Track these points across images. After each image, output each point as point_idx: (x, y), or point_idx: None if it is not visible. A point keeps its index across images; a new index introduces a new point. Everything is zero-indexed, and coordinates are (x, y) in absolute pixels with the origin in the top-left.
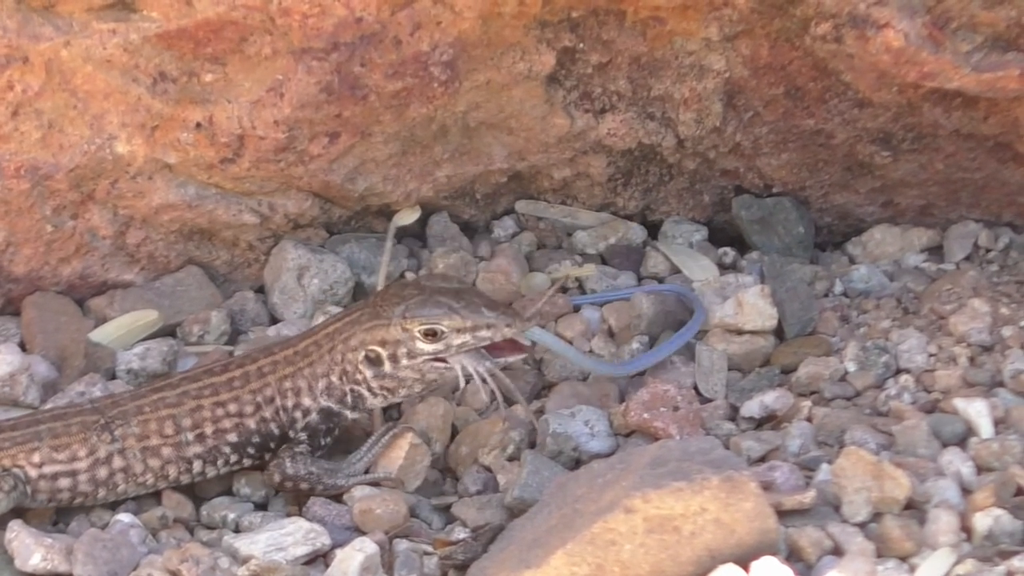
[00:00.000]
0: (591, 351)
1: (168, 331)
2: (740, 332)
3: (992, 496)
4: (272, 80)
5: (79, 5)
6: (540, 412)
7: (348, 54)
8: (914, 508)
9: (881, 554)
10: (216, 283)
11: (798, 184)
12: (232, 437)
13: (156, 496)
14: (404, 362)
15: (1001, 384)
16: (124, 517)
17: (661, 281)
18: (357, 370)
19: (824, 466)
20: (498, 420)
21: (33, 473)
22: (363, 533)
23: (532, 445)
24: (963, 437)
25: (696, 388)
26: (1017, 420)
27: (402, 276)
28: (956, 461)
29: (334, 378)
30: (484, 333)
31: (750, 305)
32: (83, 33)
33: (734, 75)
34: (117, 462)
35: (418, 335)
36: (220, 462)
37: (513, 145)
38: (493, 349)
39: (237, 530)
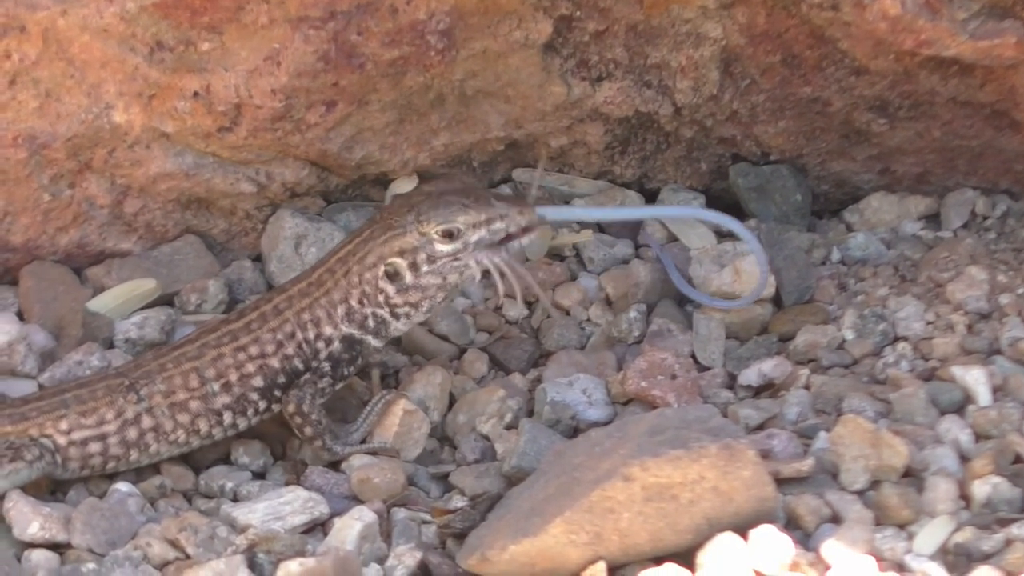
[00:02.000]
0: (588, 319)
1: (166, 300)
2: (738, 299)
3: (990, 464)
4: (269, 49)
5: None
6: (537, 381)
7: (345, 22)
8: (912, 476)
9: (879, 522)
10: (214, 252)
11: (795, 152)
12: (258, 381)
13: (155, 466)
14: (424, 268)
15: (999, 352)
16: (122, 486)
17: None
18: (377, 290)
19: (822, 434)
20: (496, 388)
21: (62, 440)
22: (361, 502)
23: (530, 413)
24: (961, 405)
25: (694, 356)
26: (1015, 388)
27: None
28: (954, 429)
29: (353, 302)
30: (498, 225)
31: (747, 273)
32: (80, 2)
33: (731, 43)
34: (146, 421)
35: (436, 236)
36: (250, 411)
37: (510, 113)
38: (504, 240)
39: (235, 499)
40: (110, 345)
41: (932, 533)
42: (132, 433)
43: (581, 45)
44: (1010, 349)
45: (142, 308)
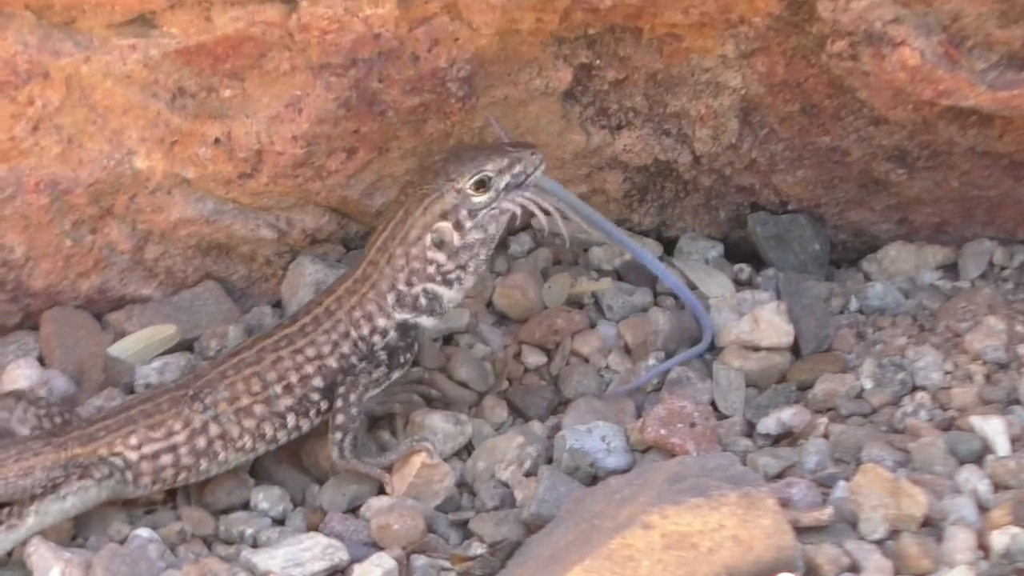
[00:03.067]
0: (607, 366)
1: (186, 345)
2: (756, 349)
3: (1009, 514)
4: (290, 95)
5: (99, 21)
6: (557, 428)
7: (366, 70)
8: (931, 525)
9: (898, 572)
10: (233, 298)
11: (813, 201)
12: (318, 381)
13: (174, 510)
14: (468, 224)
15: (1017, 402)
16: (143, 532)
17: (677, 298)
18: (427, 262)
19: (841, 483)
20: (515, 435)
21: (133, 456)
22: (381, 548)
23: (549, 460)
24: (980, 455)
25: (713, 404)
26: None
27: None
28: (973, 479)
29: (401, 286)
30: (519, 168)
31: (766, 322)
32: (103, 49)
33: (750, 92)
34: (213, 429)
35: (470, 190)
36: (312, 412)
37: None
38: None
39: (255, 545)
40: (130, 390)
41: None
42: (201, 442)
43: (601, 93)
44: None
45: (162, 353)
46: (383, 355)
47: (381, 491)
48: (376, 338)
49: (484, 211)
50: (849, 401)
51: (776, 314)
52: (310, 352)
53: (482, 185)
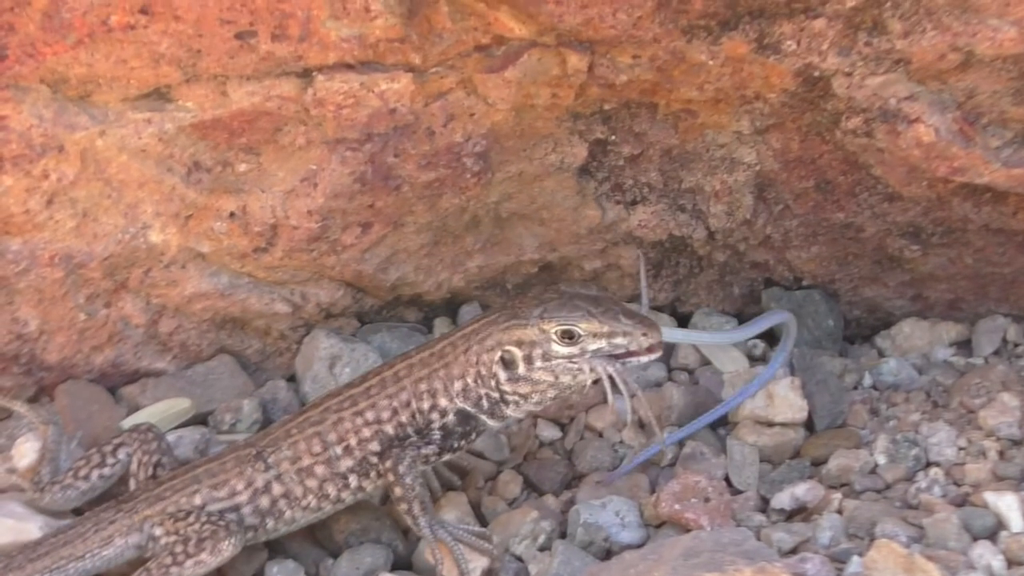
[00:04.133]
0: (621, 441)
1: (200, 419)
2: (771, 424)
3: None
4: (306, 170)
5: (115, 95)
6: (571, 502)
7: (382, 144)
8: None
9: None
10: (248, 372)
11: (828, 277)
12: (375, 446)
13: None
14: (538, 363)
15: None
16: None
17: (691, 373)
18: (491, 373)
19: (855, 558)
20: (529, 509)
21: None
22: None
23: (563, 535)
24: (993, 531)
25: (727, 479)
26: None
27: None
28: (987, 554)
29: (469, 380)
30: (620, 340)
31: (780, 397)
32: (118, 123)
33: (765, 168)
34: (276, 489)
35: (554, 337)
36: (373, 474)
37: (544, 236)
38: (624, 355)
39: None
40: None
41: None
42: (264, 501)
43: (616, 169)
44: None
45: (176, 427)
46: (437, 435)
47: (396, 565)
48: (435, 415)
49: (560, 360)
50: (863, 476)
51: (790, 390)
52: (370, 415)
53: (568, 336)
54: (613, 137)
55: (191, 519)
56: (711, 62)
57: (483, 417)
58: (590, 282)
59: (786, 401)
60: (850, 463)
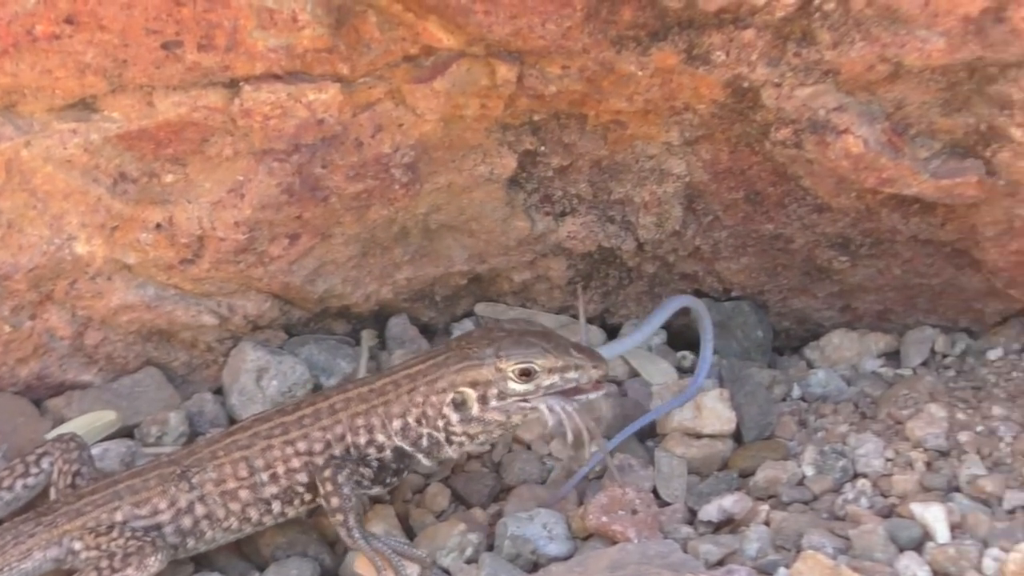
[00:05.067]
0: (550, 453)
1: (126, 432)
2: (699, 436)
3: None
4: (233, 181)
5: (40, 105)
6: (498, 515)
7: (309, 155)
8: None
9: None
10: (174, 384)
11: (757, 288)
12: (303, 476)
13: None
14: (493, 403)
15: (957, 489)
16: None
17: (620, 385)
18: (440, 414)
19: (782, 570)
20: (457, 522)
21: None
22: None
23: (490, 548)
24: (920, 542)
25: (655, 491)
26: (973, 525)
27: None
28: (913, 566)
29: (411, 419)
30: (572, 374)
31: (709, 409)
32: (44, 133)
33: (694, 179)
34: (199, 509)
35: (511, 375)
36: (297, 501)
37: (474, 247)
38: (572, 391)
39: None
40: None
41: None
42: (186, 521)
43: (545, 180)
44: (969, 487)
45: (102, 440)
46: (374, 464)
47: None
48: (371, 450)
49: (515, 399)
50: (790, 488)
51: (719, 401)
52: (301, 446)
53: (526, 375)
54: (542, 148)
55: (114, 534)
56: (640, 73)
57: (420, 456)
58: (519, 294)
59: (714, 413)
60: (778, 475)
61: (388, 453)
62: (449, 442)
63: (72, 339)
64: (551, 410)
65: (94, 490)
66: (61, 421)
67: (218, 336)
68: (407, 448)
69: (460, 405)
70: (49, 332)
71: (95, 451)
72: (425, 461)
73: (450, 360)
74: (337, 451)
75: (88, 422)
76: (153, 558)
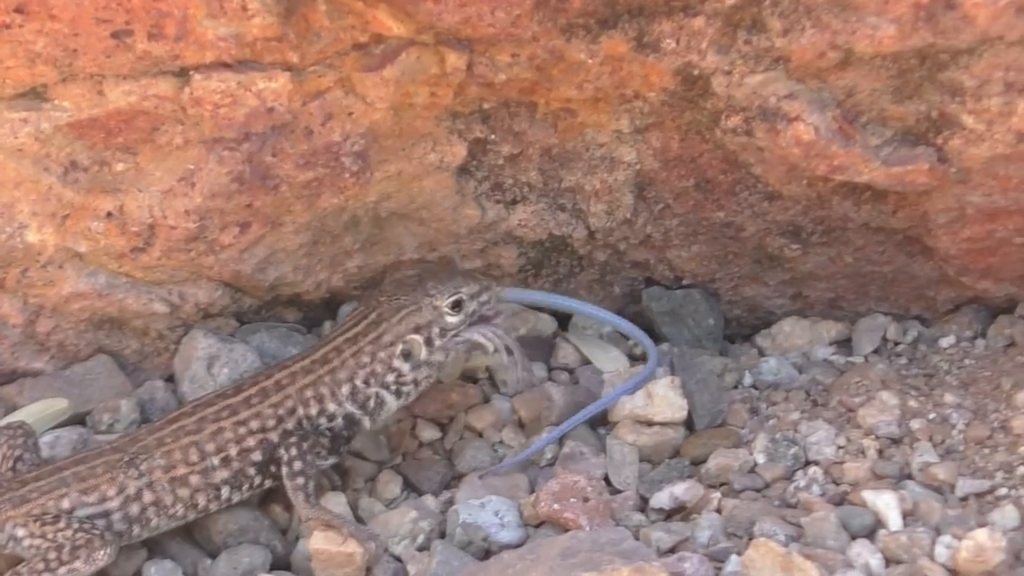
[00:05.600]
0: (501, 441)
1: (78, 419)
2: (650, 423)
3: None
4: (183, 170)
5: None
6: (450, 503)
7: (260, 144)
8: None
9: None
10: (126, 372)
11: (708, 276)
12: (257, 455)
13: None
14: (437, 343)
15: (910, 476)
16: None
17: (572, 372)
18: (390, 368)
19: (733, 557)
20: (408, 509)
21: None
22: None
23: (442, 535)
24: (872, 529)
25: (607, 479)
26: (925, 512)
27: None
28: (865, 553)
29: (359, 382)
30: (485, 297)
31: (660, 397)
32: None
33: (645, 167)
34: (147, 496)
35: (446, 309)
36: (245, 487)
37: (424, 235)
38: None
39: None
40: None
41: None
42: (134, 509)
43: (495, 168)
44: (921, 474)
45: (54, 427)
46: (328, 434)
47: (274, 566)
48: (323, 420)
49: (451, 333)
50: (742, 476)
51: (670, 389)
52: (254, 424)
53: (457, 306)
54: (492, 136)
55: (61, 524)
56: (590, 61)
57: (365, 420)
58: None
59: (666, 400)
60: (729, 462)
61: (339, 421)
62: (398, 394)
63: (24, 327)
64: (486, 337)
65: (38, 476)
66: (13, 409)
67: (169, 324)
68: (356, 413)
69: (408, 354)
70: (1, 320)
71: (46, 439)
72: (368, 423)
73: (386, 313)
74: (290, 425)
75: (39, 410)
76: (102, 552)
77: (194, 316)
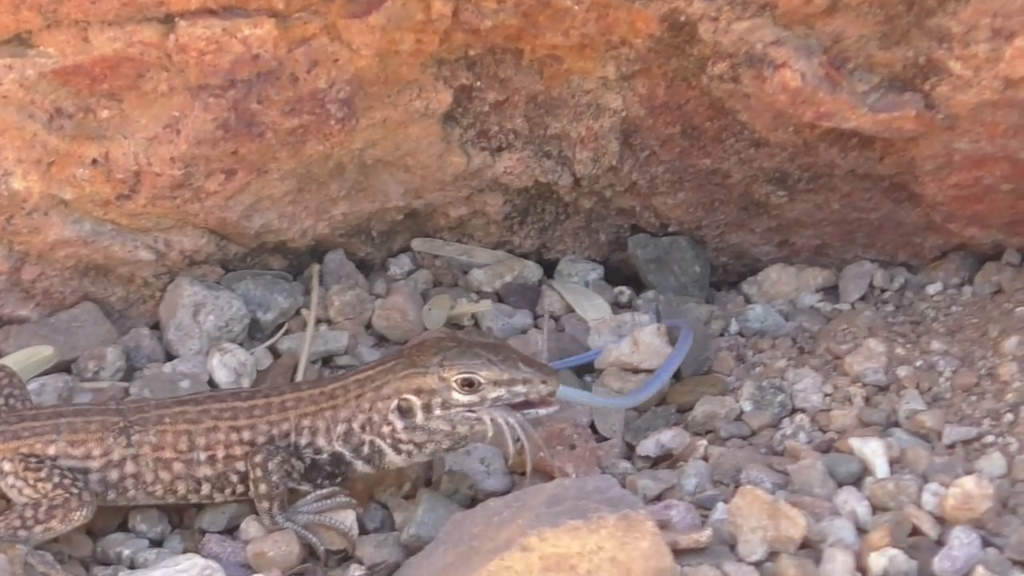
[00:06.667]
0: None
1: (63, 367)
2: (636, 371)
3: (887, 536)
4: (169, 117)
5: None
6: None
7: (245, 91)
8: (810, 547)
9: None
10: (111, 319)
11: (694, 223)
12: (240, 466)
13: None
14: (437, 412)
15: (896, 424)
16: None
17: (557, 320)
18: (385, 420)
19: (720, 505)
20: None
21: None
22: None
23: (428, 483)
24: (858, 477)
25: (592, 427)
26: (912, 460)
27: (297, 313)
28: (852, 500)
29: (355, 425)
30: (519, 388)
31: (646, 344)
32: None
33: (631, 114)
34: (129, 467)
35: (455, 385)
36: (227, 491)
37: (410, 183)
38: (522, 404)
39: (132, 567)
40: None
41: None
42: (114, 475)
43: (481, 115)
44: (908, 421)
45: (39, 375)
46: (307, 461)
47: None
48: (308, 451)
49: (459, 409)
50: (728, 423)
51: (655, 336)
52: (246, 435)
53: (469, 385)
54: (478, 83)
55: (43, 473)
56: (576, 7)
57: (358, 463)
58: (455, 229)
59: (651, 347)
60: (716, 410)
61: (325, 456)
62: (396, 450)
63: (9, 274)
64: (493, 421)
65: (36, 416)
66: None
67: (155, 271)
68: (347, 455)
69: (406, 412)
70: None
71: (32, 386)
72: (363, 468)
73: (397, 367)
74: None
75: (25, 357)
76: (79, 512)
77: (180, 264)
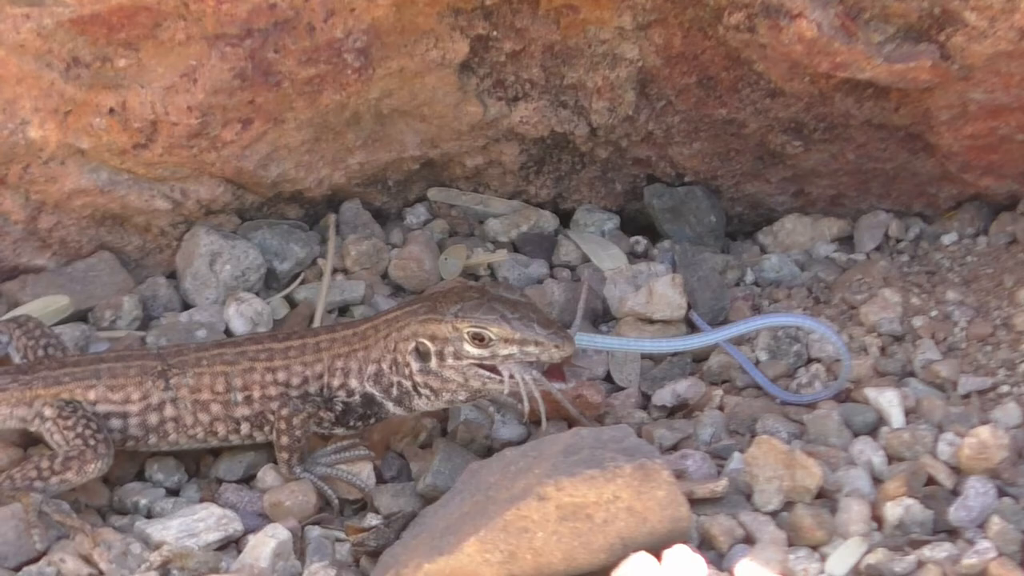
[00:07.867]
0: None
1: (80, 316)
2: (651, 321)
3: (903, 485)
4: (185, 66)
5: None
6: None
7: (262, 40)
8: (825, 497)
9: (792, 543)
10: (128, 268)
11: (710, 173)
12: (275, 405)
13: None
14: (449, 361)
15: (912, 374)
16: (35, 498)
17: (573, 270)
18: (405, 361)
19: (736, 455)
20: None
21: (88, 410)
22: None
23: (444, 432)
24: (874, 427)
25: (609, 376)
26: (928, 410)
27: (314, 263)
28: (867, 450)
29: (384, 365)
30: (531, 349)
31: (661, 294)
32: None
33: (647, 64)
34: (169, 411)
35: (466, 336)
36: (267, 428)
37: (426, 132)
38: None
39: (149, 516)
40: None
41: (845, 554)
42: (153, 418)
43: (497, 65)
44: (923, 371)
45: (56, 324)
46: (339, 407)
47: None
48: (341, 393)
49: (470, 362)
50: (744, 373)
51: (671, 286)
52: (280, 376)
53: (479, 339)
54: (495, 33)
55: (71, 422)
56: None
57: (389, 404)
58: (471, 179)
59: (666, 298)
60: (731, 360)
61: (357, 398)
62: (418, 393)
63: (26, 223)
64: (511, 376)
65: (77, 362)
66: (15, 305)
67: (171, 221)
68: (377, 395)
69: (422, 355)
70: (3, 216)
71: None
72: (395, 409)
73: (420, 310)
74: (312, 388)
75: (41, 306)
76: (93, 465)
77: (196, 213)
